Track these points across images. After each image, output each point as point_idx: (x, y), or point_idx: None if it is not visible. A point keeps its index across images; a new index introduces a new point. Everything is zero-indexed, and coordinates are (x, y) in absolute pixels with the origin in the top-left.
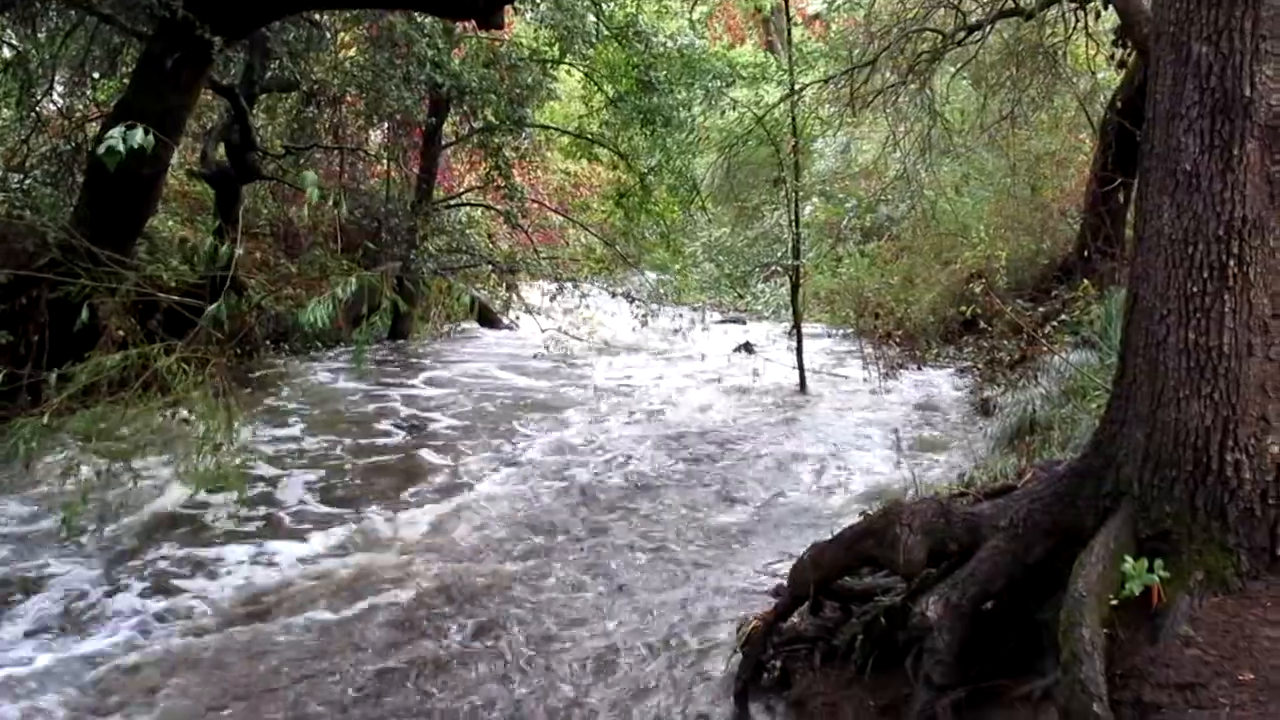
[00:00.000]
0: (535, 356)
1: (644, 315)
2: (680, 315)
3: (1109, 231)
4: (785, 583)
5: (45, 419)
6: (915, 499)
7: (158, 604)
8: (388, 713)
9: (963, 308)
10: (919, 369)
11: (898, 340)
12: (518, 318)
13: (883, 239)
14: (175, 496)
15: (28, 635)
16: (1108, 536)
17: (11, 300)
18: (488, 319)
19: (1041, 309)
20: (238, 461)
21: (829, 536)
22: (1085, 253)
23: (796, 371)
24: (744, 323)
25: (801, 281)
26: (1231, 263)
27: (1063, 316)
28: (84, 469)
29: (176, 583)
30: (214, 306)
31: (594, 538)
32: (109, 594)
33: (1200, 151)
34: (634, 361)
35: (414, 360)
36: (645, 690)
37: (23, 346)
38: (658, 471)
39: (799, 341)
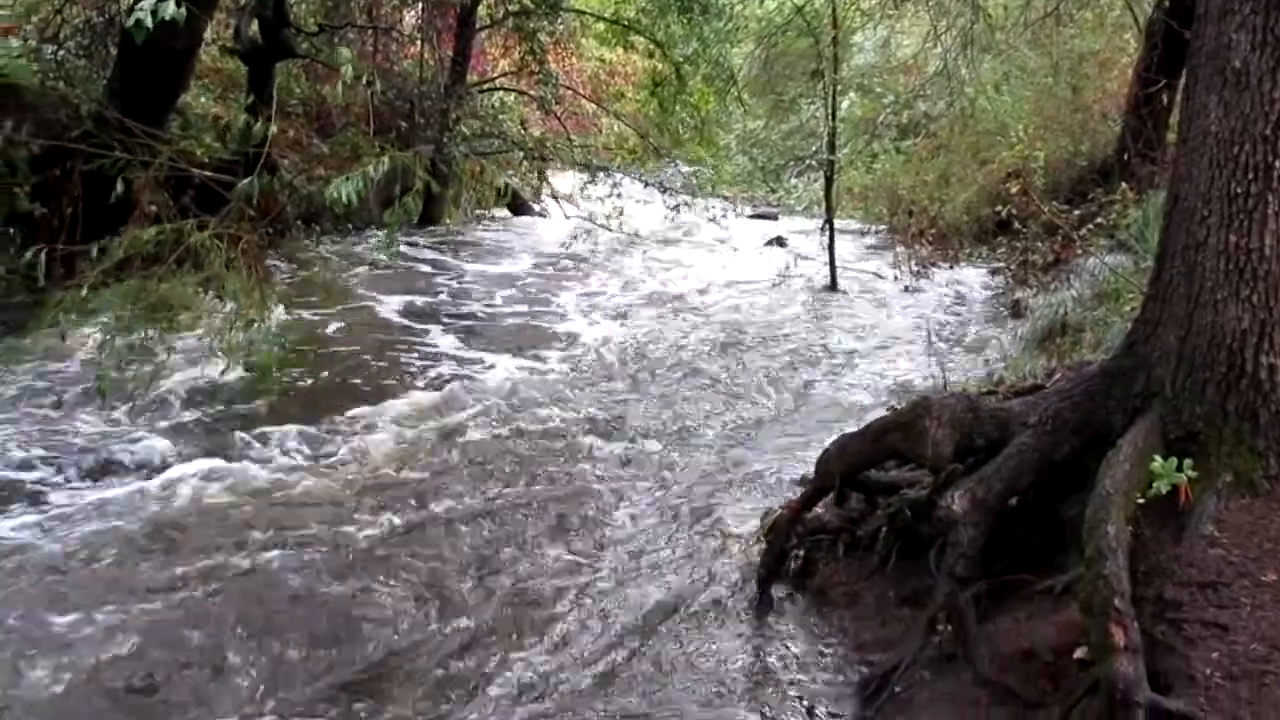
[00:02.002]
0: (565, 244)
1: (676, 207)
2: (712, 208)
3: (1150, 134)
4: (810, 474)
5: (82, 291)
6: (944, 395)
7: (184, 462)
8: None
9: (998, 208)
10: (951, 268)
11: (930, 239)
12: (548, 205)
13: (919, 136)
14: (208, 370)
15: (69, 483)
16: (1136, 436)
17: (45, 172)
18: (518, 206)
19: (1078, 211)
20: (269, 338)
21: (855, 429)
22: (1125, 155)
23: (828, 267)
24: (776, 217)
25: (836, 177)
26: (1278, 163)
27: (1099, 219)
28: (118, 341)
29: (205, 444)
30: (246, 181)
31: (618, 425)
32: (136, 454)
33: (1251, 48)
34: (664, 253)
35: (445, 244)
36: (667, 576)
37: (57, 219)
38: (685, 363)
39: (831, 237)
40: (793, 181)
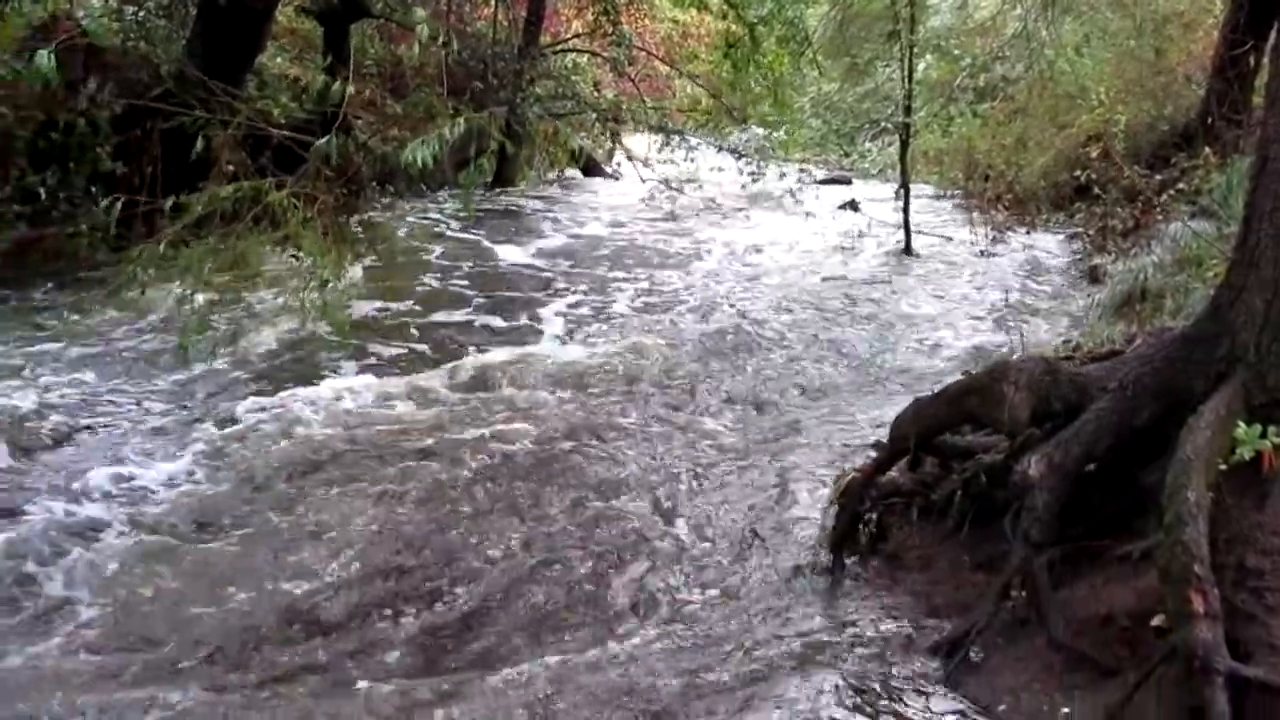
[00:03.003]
0: (637, 207)
1: (749, 170)
2: (786, 171)
3: (1235, 97)
4: (884, 438)
5: (161, 248)
6: (1021, 358)
7: (262, 414)
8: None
9: (1076, 173)
10: (1027, 234)
11: (1007, 204)
12: (620, 168)
13: (997, 100)
14: (283, 328)
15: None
16: (1219, 402)
17: (126, 132)
18: (591, 168)
19: (1159, 176)
20: (343, 298)
21: (931, 392)
22: (1209, 119)
23: (902, 231)
24: (850, 181)
25: (911, 141)
26: None
27: (1181, 184)
28: (197, 297)
29: (280, 397)
30: (322, 141)
31: (692, 391)
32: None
33: None
34: (736, 216)
35: (518, 206)
36: (740, 540)
37: (138, 178)
38: (758, 326)
39: (906, 201)
40: (867, 145)
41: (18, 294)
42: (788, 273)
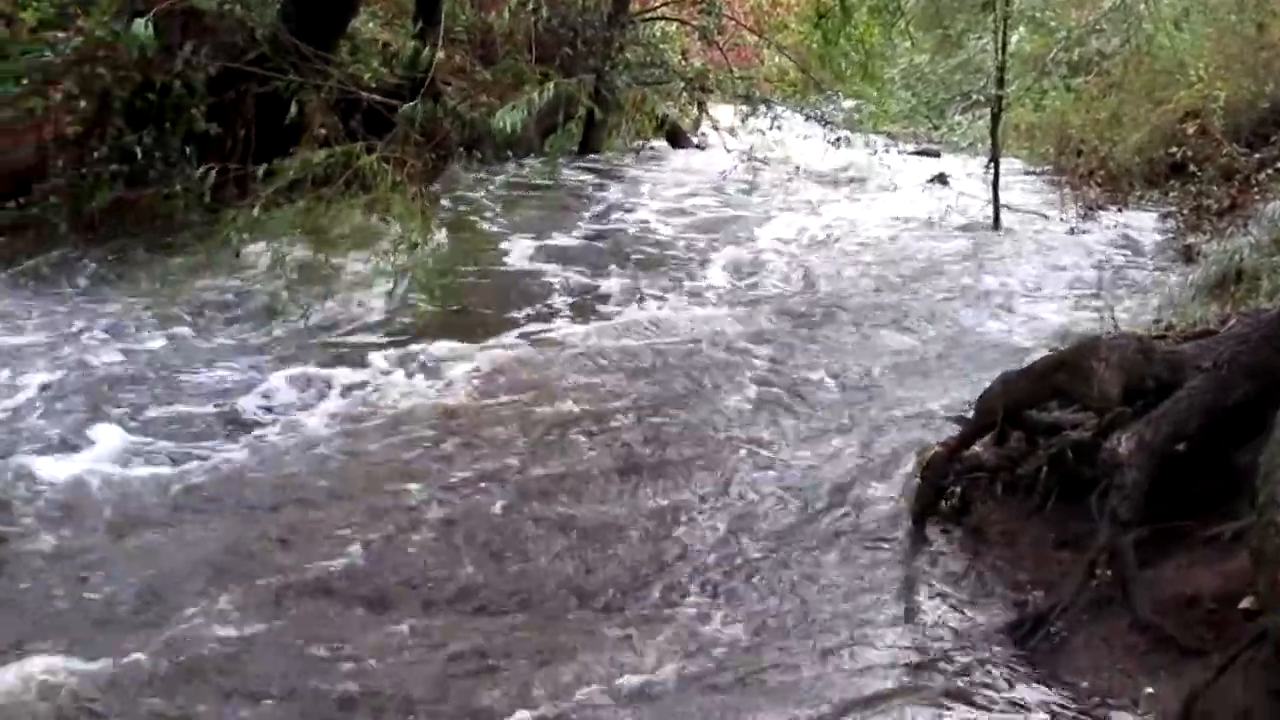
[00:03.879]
0: (723, 177)
1: (836, 142)
2: (873, 144)
3: None
4: (968, 412)
5: (255, 211)
6: (1113, 335)
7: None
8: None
9: (1171, 150)
10: (1119, 211)
11: (1099, 180)
12: (707, 137)
13: (1091, 74)
14: (373, 291)
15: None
16: None
17: (221, 94)
18: (677, 138)
19: (1258, 155)
20: (431, 261)
21: (1018, 368)
22: None
23: (990, 206)
24: (938, 155)
25: (1003, 114)
26: None
27: None
28: (289, 260)
29: (371, 358)
30: (410, 105)
31: (772, 358)
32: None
33: None
34: (823, 188)
35: (604, 172)
36: (820, 510)
37: (231, 140)
38: (842, 298)
39: (995, 176)
40: (956, 118)
41: (115, 252)
42: (873, 245)
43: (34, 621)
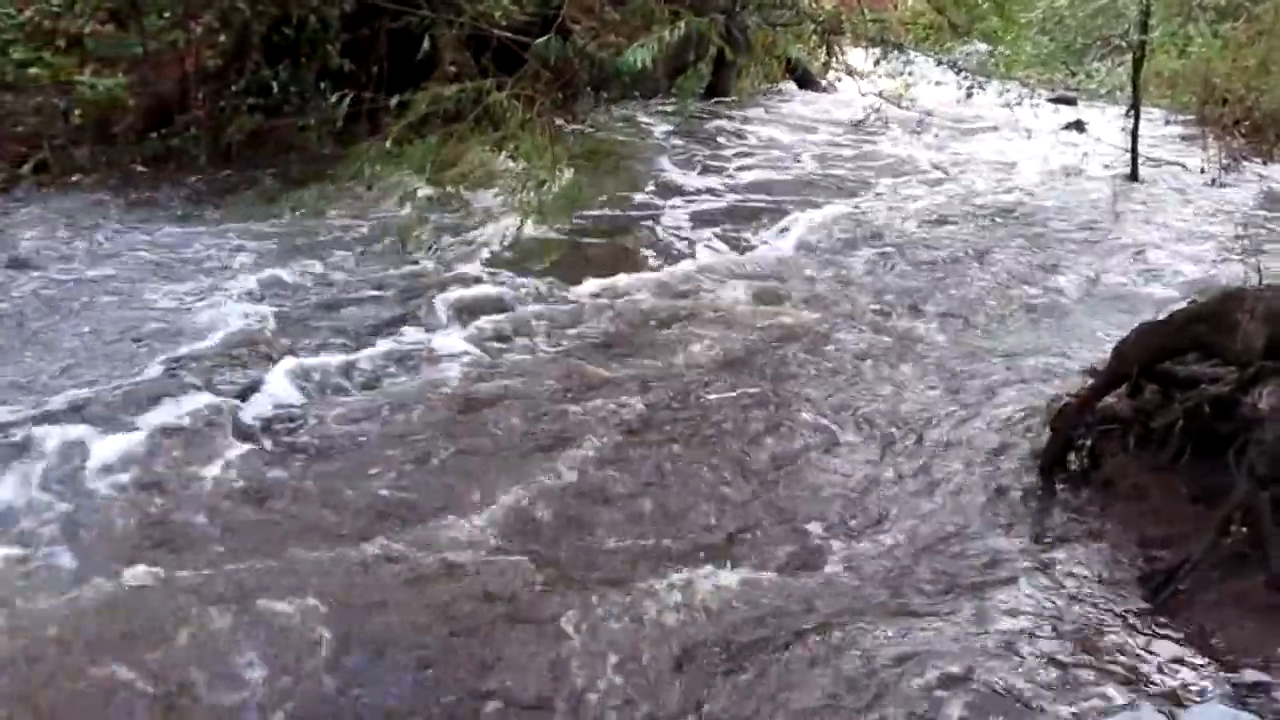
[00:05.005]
0: (853, 121)
1: (970, 87)
2: (1007, 90)
3: None
4: (1101, 363)
5: (387, 144)
6: (1259, 288)
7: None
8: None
9: None
10: (1264, 164)
11: (1243, 131)
12: (837, 80)
13: (1240, 20)
14: (502, 225)
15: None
16: None
17: (355, 30)
18: (806, 80)
19: None
20: (558, 198)
21: (1155, 319)
22: None
23: (1128, 155)
24: (1074, 102)
25: (1145, 60)
26: None
27: None
28: (420, 194)
29: (501, 291)
30: (542, 40)
31: (897, 304)
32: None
33: None
34: (955, 134)
35: (732, 115)
36: (946, 458)
37: (364, 76)
38: (973, 245)
39: (1135, 124)
40: (1095, 65)
41: (250, 182)
42: (1005, 192)
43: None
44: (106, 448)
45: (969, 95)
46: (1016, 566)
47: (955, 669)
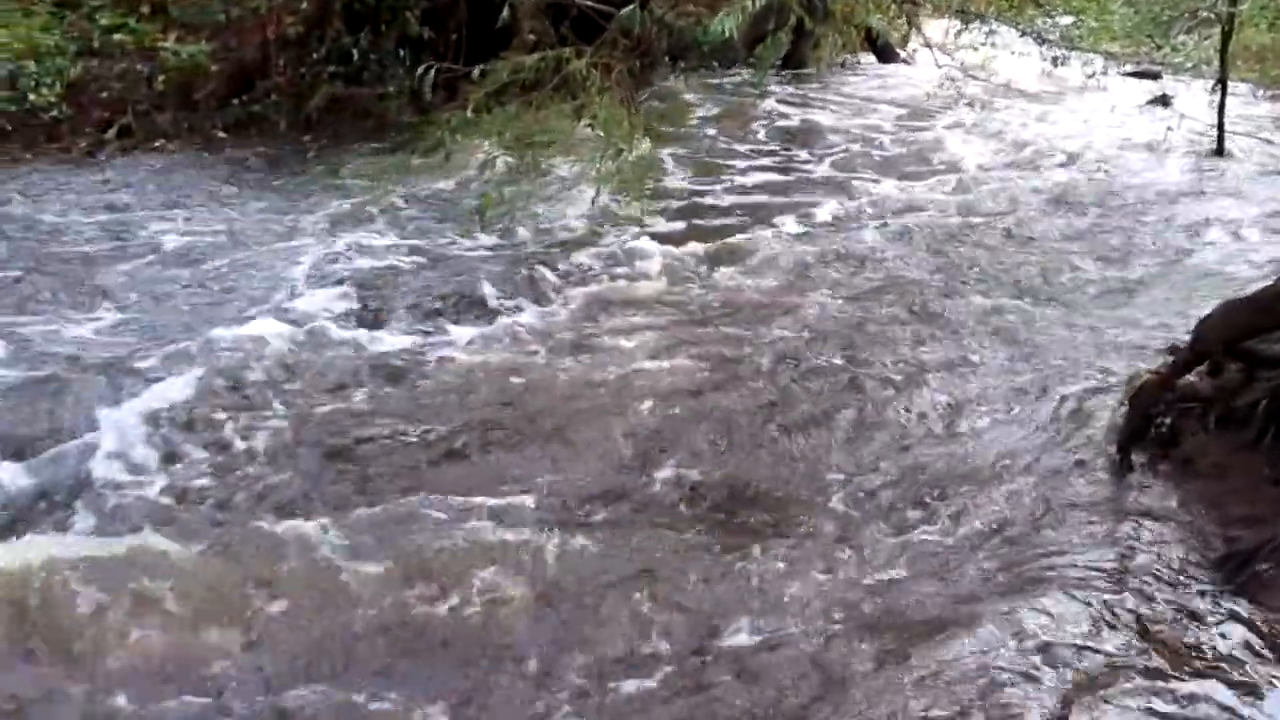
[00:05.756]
0: (933, 93)
1: (1052, 60)
2: (1091, 63)
3: None
4: (1181, 341)
5: (467, 113)
6: None
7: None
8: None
9: None
10: None
11: None
12: (916, 52)
13: None
14: (580, 194)
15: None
16: None
17: None
18: (884, 52)
19: None
20: (637, 168)
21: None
22: None
23: (1214, 130)
24: (1159, 76)
25: (1234, 34)
26: None
27: None
28: (499, 163)
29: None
30: (625, 12)
31: (981, 279)
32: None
33: None
34: (1037, 107)
35: (809, 85)
36: (1021, 433)
37: (443, 44)
38: (1050, 218)
39: (1221, 98)
40: (1181, 38)
41: (330, 149)
42: (1086, 167)
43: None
44: (205, 392)
45: (1052, 68)
46: (1090, 542)
47: (1027, 645)
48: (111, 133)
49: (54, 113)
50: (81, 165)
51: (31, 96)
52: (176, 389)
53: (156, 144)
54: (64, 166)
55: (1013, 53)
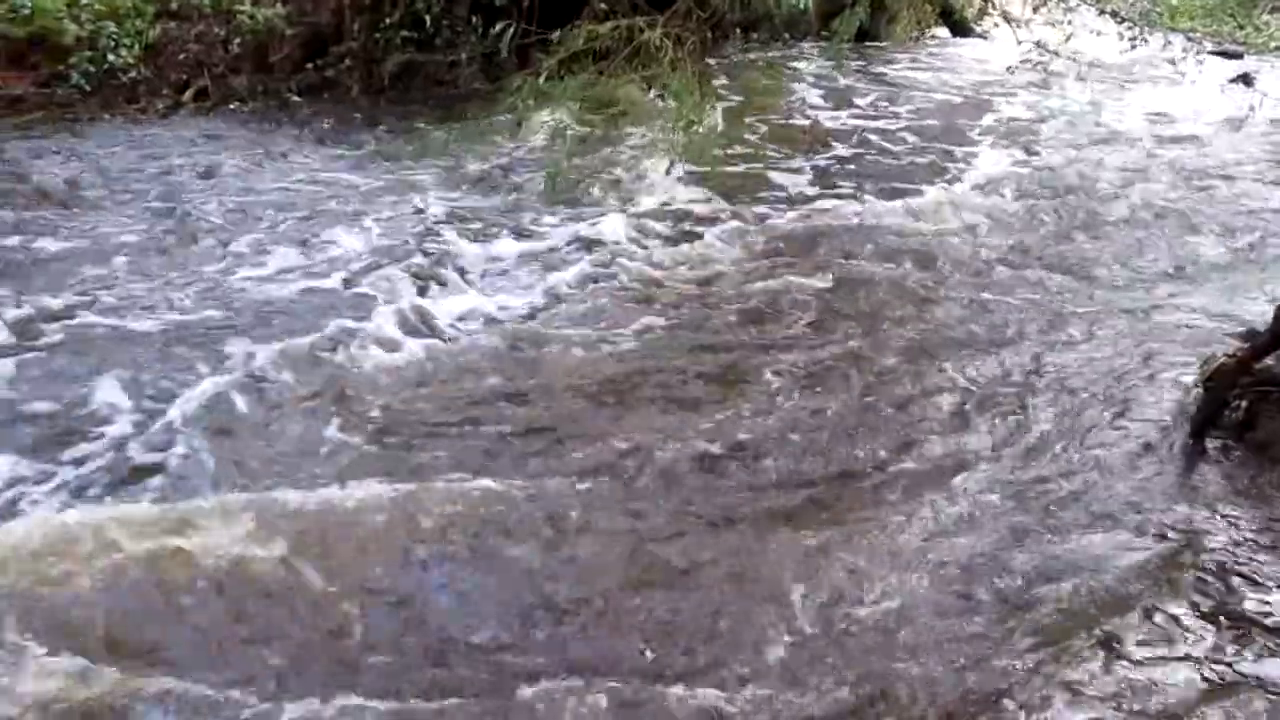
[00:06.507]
0: (1009, 70)
1: (1132, 38)
2: (1171, 40)
3: None
4: (1261, 323)
5: (540, 80)
6: None
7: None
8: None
9: None
10: None
11: None
12: (993, 28)
13: None
14: (652, 164)
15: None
16: None
17: None
18: (960, 27)
19: None
20: (707, 139)
21: None
22: None
23: None
24: (1241, 56)
25: None
26: None
27: None
28: (570, 132)
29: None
30: None
31: (1059, 257)
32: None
33: None
34: (1115, 85)
35: (886, 60)
36: (1093, 414)
37: (516, 11)
38: (1126, 198)
39: None
40: (1264, 17)
41: (403, 114)
42: (1162, 145)
43: None
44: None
45: (1132, 46)
46: (1162, 526)
47: (1099, 629)
48: (188, 94)
49: (132, 74)
50: (166, 122)
51: (111, 57)
52: None
53: (232, 106)
54: (143, 125)
55: (1091, 30)
